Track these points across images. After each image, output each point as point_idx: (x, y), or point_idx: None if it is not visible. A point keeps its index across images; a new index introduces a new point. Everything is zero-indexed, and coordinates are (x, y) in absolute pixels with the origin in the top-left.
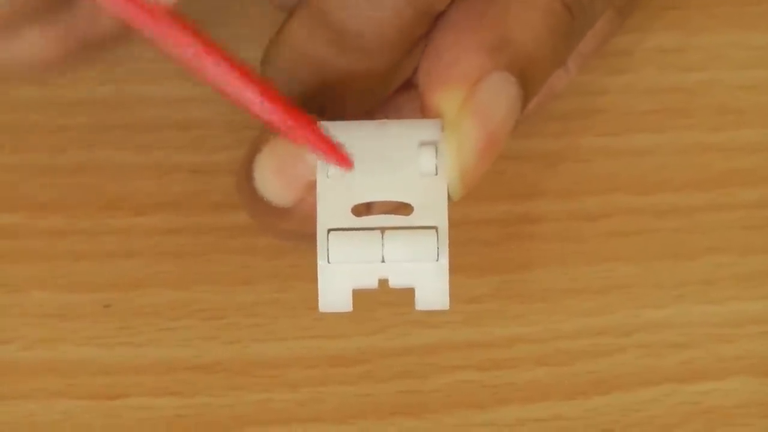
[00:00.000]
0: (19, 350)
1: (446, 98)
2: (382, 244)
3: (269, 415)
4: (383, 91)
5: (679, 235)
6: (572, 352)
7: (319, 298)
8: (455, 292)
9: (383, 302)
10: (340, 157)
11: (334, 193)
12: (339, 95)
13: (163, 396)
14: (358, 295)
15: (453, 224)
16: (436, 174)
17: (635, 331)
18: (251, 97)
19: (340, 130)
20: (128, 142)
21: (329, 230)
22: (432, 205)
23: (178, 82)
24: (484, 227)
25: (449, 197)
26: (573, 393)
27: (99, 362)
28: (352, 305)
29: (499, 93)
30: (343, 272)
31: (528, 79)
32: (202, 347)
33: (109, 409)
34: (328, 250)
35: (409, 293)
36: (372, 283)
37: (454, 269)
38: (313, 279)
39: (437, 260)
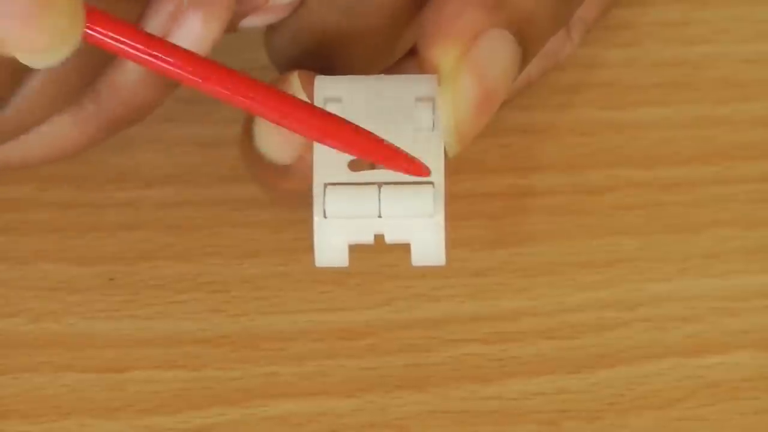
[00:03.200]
0: (26, 323)
1: (443, 53)
2: (379, 199)
3: (275, 388)
4: (389, 52)
5: (683, 208)
6: (577, 325)
7: (315, 253)
8: (461, 266)
9: (389, 275)
10: (415, 167)
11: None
12: (345, 57)
13: (169, 369)
14: (364, 267)
15: (458, 197)
16: (433, 129)
17: (640, 305)
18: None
19: (337, 85)
20: None
21: (326, 185)
22: (428, 160)
23: None
24: (489, 200)
25: (446, 153)
26: (578, 366)
27: (105, 335)
28: (348, 260)
29: (497, 50)
30: (339, 227)
31: (527, 39)
32: (208, 320)
33: (115, 383)
34: (324, 204)
35: (414, 268)
36: (368, 238)
37: (460, 242)
38: None
39: (433, 216)
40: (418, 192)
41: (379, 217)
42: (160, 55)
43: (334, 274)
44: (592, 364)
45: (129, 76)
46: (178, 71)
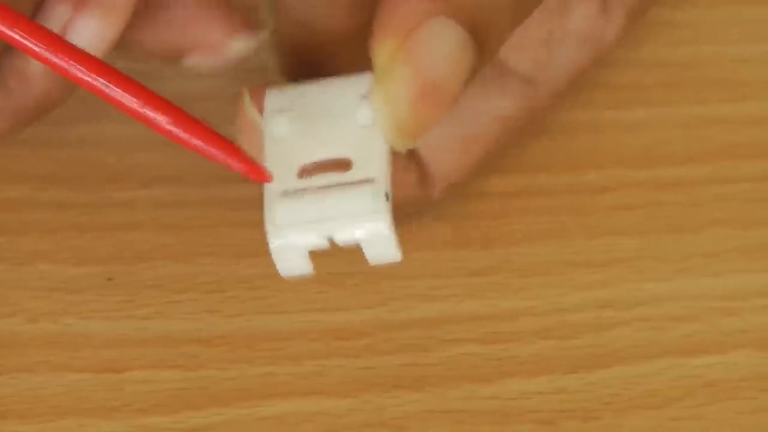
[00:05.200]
0: (23, 323)
1: (379, 47)
2: (324, 202)
3: (272, 388)
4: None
5: (681, 208)
6: (575, 325)
7: (276, 265)
8: (458, 266)
9: (386, 275)
10: (255, 170)
11: (281, 156)
12: (329, 61)
13: (166, 369)
14: (361, 267)
15: (456, 197)
16: (373, 126)
17: (638, 305)
18: (160, 120)
19: (285, 94)
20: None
21: (275, 194)
22: (369, 157)
23: None
24: (486, 200)
25: (392, 149)
26: (576, 366)
27: (103, 335)
28: (311, 268)
29: (437, 39)
30: (293, 235)
31: (479, 27)
32: (205, 320)
33: (112, 383)
34: (274, 213)
35: (412, 268)
36: (323, 243)
37: (457, 242)
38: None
39: (376, 213)
40: (359, 190)
41: (329, 220)
42: (49, 49)
43: (330, 274)
44: (590, 363)
45: (35, 67)
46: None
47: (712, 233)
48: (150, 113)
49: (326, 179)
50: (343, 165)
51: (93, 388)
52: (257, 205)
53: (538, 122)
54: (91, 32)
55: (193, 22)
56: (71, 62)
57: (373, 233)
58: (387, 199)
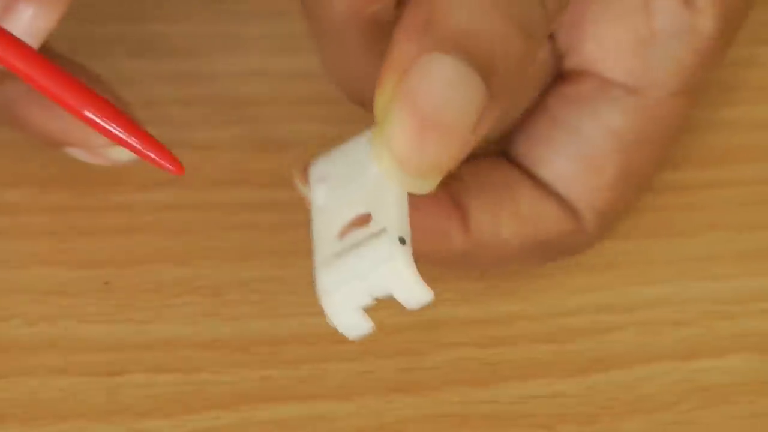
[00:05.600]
0: (21, 327)
1: (378, 95)
2: (353, 262)
3: (269, 392)
4: None
5: (679, 212)
6: (571, 329)
7: (339, 329)
8: (455, 270)
9: None
10: (171, 161)
11: (324, 224)
12: None
13: (163, 373)
14: None
15: None
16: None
17: (634, 309)
18: (77, 105)
19: (322, 163)
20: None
21: (321, 261)
22: (383, 206)
23: (181, 58)
24: None
25: (406, 193)
26: (572, 370)
27: (100, 339)
28: (370, 324)
29: (430, 74)
30: (341, 298)
31: (480, 54)
32: (203, 324)
33: (110, 386)
34: (320, 280)
35: None
36: (367, 300)
37: None
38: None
39: (392, 259)
40: (377, 241)
41: (360, 278)
42: None
43: None
44: (586, 367)
45: None
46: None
47: (709, 237)
48: (72, 101)
49: (355, 237)
50: (366, 219)
51: (91, 392)
52: (256, 208)
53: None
54: (28, 19)
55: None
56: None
57: (395, 280)
58: (403, 242)
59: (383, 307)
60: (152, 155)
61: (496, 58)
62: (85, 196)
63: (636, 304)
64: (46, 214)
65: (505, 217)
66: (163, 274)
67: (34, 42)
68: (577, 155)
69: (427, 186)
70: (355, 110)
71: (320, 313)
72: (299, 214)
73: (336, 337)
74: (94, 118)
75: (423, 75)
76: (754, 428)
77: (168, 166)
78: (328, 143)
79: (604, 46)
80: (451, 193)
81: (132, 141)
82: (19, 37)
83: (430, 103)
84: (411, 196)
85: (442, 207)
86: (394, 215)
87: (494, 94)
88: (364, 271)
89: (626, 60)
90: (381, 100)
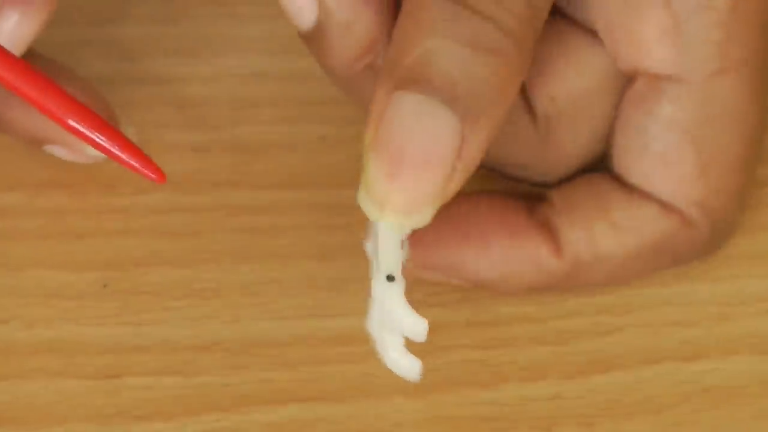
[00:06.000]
0: (18, 330)
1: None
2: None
3: (270, 394)
4: None
5: None
6: (572, 330)
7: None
8: None
9: None
10: (152, 169)
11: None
12: None
13: (163, 375)
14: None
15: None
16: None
17: (636, 310)
18: (61, 114)
19: None
20: (128, 120)
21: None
22: (379, 245)
23: (177, 59)
24: None
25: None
26: (573, 372)
27: (99, 342)
28: (418, 363)
29: (393, 115)
30: (381, 343)
31: (447, 87)
32: (202, 327)
33: (109, 389)
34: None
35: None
36: (400, 339)
37: None
38: (313, 257)
39: (384, 299)
40: (374, 282)
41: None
42: None
43: (329, 280)
44: (587, 369)
45: None
46: None
47: None
48: (55, 110)
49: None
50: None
51: (90, 395)
52: (255, 210)
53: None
54: (12, 26)
55: None
56: None
57: (393, 316)
58: (391, 279)
59: None
60: (134, 163)
61: (458, 84)
62: (81, 198)
63: (637, 305)
64: (43, 217)
65: (600, 229)
66: (162, 277)
67: (17, 49)
68: (653, 154)
69: (420, 221)
70: (355, 110)
71: (320, 315)
72: (299, 217)
73: (337, 340)
74: (77, 126)
75: (388, 117)
76: (756, 429)
77: (149, 174)
78: (328, 144)
79: (635, 42)
80: (539, 218)
81: (114, 150)
82: (1, 44)
83: (397, 142)
84: (500, 234)
85: (531, 235)
86: (381, 254)
87: (472, 119)
88: (380, 314)
89: (659, 51)
90: (364, 149)
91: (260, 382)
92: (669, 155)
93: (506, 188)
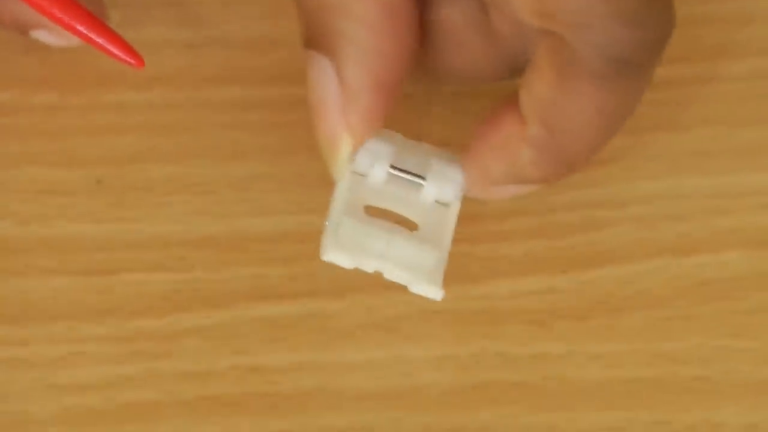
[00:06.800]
0: (13, 227)
1: None
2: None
3: (261, 290)
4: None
5: (672, 107)
6: (566, 224)
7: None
8: None
9: None
10: (131, 55)
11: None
12: None
13: (156, 271)
14: None
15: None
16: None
17: (630, 203)
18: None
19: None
20: (122, 18)
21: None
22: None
23: None
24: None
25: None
26: (567, 266)
27: (92, 238)
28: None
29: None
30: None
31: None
32: (195, 222)
33: (102, 285)
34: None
35: None
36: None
37: (449, 141)
38: (305, 153)
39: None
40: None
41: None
42: None
43: (320, 176)
44: (581, 263)
45: None
46: None
47: (703, 132)
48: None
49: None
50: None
51: (83, 292)
52: (247, 106)
53: None
54: None
55: None
56: None
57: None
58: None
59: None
60: (112, 49)
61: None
62: (75, 95)
63: (631, 199)
64: (37, 114)
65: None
66: (155, 173)
67: None
68: None
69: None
70: None
71: (312, 211)
72: (291, 113)
73: None
74: (60, 15)
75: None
76: (751, 324)
77: (128, 59)
78: None
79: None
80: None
81: (93, 36)
82: None
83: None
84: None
85: (504, 118)
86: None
87: (349, 69)
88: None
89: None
90: None
91: (252, 277)
92: None
93: None
